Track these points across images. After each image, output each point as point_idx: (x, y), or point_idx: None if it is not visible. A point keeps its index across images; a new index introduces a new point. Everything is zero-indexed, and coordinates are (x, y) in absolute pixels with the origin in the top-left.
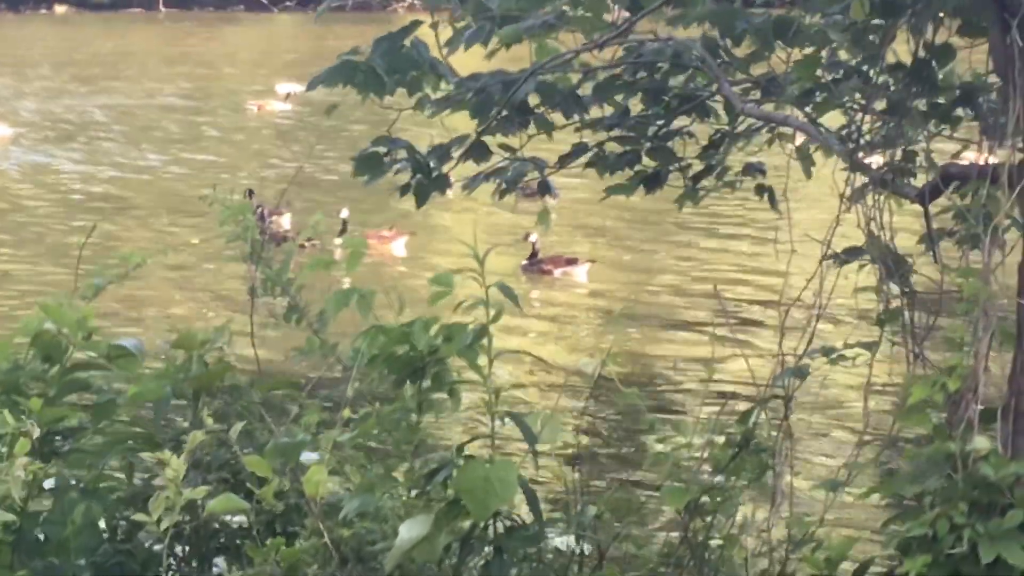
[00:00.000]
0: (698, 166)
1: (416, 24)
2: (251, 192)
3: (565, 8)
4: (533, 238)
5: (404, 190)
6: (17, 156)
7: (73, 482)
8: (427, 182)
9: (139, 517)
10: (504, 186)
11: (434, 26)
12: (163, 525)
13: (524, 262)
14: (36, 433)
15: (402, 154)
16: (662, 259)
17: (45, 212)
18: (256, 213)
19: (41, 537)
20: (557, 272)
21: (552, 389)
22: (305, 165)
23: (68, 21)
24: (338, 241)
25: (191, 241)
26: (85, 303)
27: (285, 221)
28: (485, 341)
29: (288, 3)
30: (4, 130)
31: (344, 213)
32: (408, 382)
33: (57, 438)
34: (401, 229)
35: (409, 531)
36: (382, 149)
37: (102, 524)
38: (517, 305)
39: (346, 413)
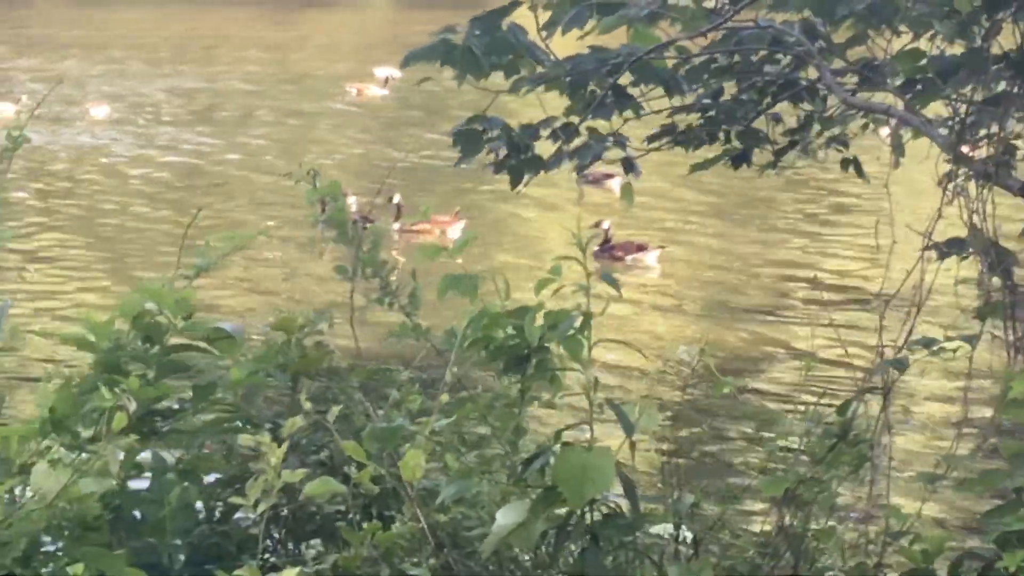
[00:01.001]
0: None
1: (515, 5)
2: (316, 173)
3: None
4: (605, 225)
5: (498, 168)
6: (112, 137)
7: (171, 462)
8: (521, 162)
9: (236, 500)
10: (587, 161)
11: (533, 8)
12: (260, 508)
13: (595, 248)
14: (133, 407)
15: (498, 133)
16: (740, 247)
17: (143, 192)
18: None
19: (138, 516)
20: (628, 258)
21: (644, 376)
22: (402, 151)
23: (160, 3)
24: (395, 226)
25: (267, 224)
26: (186, 284)
27: (352, 203)
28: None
29: None
30: (101, 111)
31: (396, 198)
32: (511, 369)
33: (156, 419)
34: (459, 215)
35: (505, 517)
36: (479, 127)
37: (199, 505)
38: (618, 292)
39: (444, 398)
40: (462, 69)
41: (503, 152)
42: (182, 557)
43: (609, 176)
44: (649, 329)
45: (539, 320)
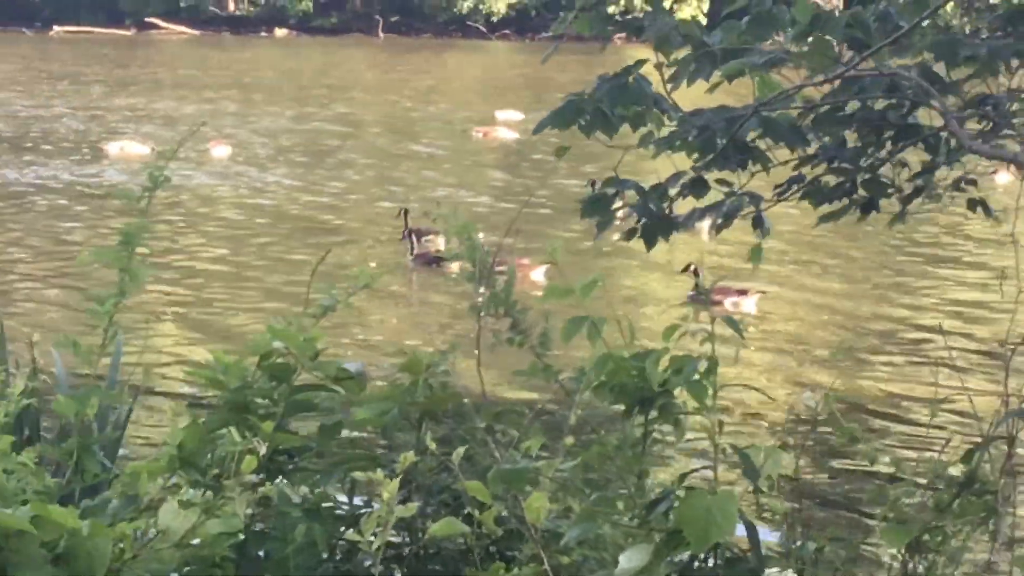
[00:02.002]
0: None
1: (641, 63)
2: (406, 211)
3: (789, 46)
4: (697, 269)
5: (629, 236)
6: (236, 175)
7: (296, 501)
8: (655, 225)
9: (352, 536)
10: (719, 221)
11: (659, 67)
12: (375, 544)
13: (690, 293)
14: (263, 451)
15: (631, 195)
16: (838, 292)
17: (266, 231)
18: (410, 232)
19: (261, 554)
20: (727, 303)
21: (765, 421)
22: (531, 194)
23: (288, 44)
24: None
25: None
26: (313, 323)
27: (441, 242)
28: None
29: (505, 31)
30: (222, 150)
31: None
32: (635, 412)
33: (282, 457)
34: (531, 261)
35: (629, 560)
36: (611, 190)
37: (322, 544)
38: (742, 336)
39: (569, 441)
40: (590, 127)
41: (633, 219)
42: None
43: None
44: (755, 375)
45: (663, 364)
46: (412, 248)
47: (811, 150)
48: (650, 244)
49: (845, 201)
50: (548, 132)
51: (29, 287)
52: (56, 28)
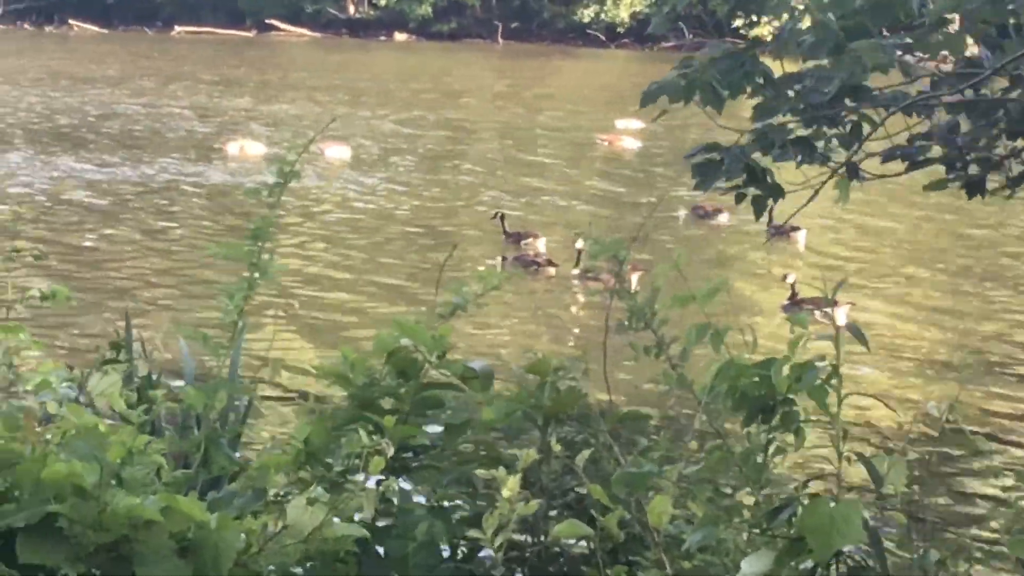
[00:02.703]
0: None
1: (755, 44)
2: (502, 216)
3: (909, 39)
4: (791, 279)
5: (739, 199)
6: (351, 177)
7: (419, 500)
8: (762, 190)
9: (473, 533)
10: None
11: (775, 55)
12: (496, 541)
13: (784, 302)
14: (390, 452)
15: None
16: (933, 300)
17: (386, 231)
18: (512, 236)
19: (382, 552)
20: (817, 314)
21: (872, 430)
22: (641, 202)
23: (407, 49)
24: (575, 271)
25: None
26: (442, 322)
27: (540, 245)
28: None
29: (625, 40)
30: (338, 151)
31: (579, 244)
32: (757, 419)
33: (406, 454)
34: (637, 264)
35: (751, 567)
36: (716, 155)
37: (443, 542)
38: (866, 345)
39: (693, 445)
40: (705, 101)
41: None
42: None
43: (796, 229)
44: (861, 387)
45: (785, 371)
46: (504, 255)
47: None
48: (758, 212)
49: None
50: (662, 153)
51: (152, 283)
52: (177, 28)
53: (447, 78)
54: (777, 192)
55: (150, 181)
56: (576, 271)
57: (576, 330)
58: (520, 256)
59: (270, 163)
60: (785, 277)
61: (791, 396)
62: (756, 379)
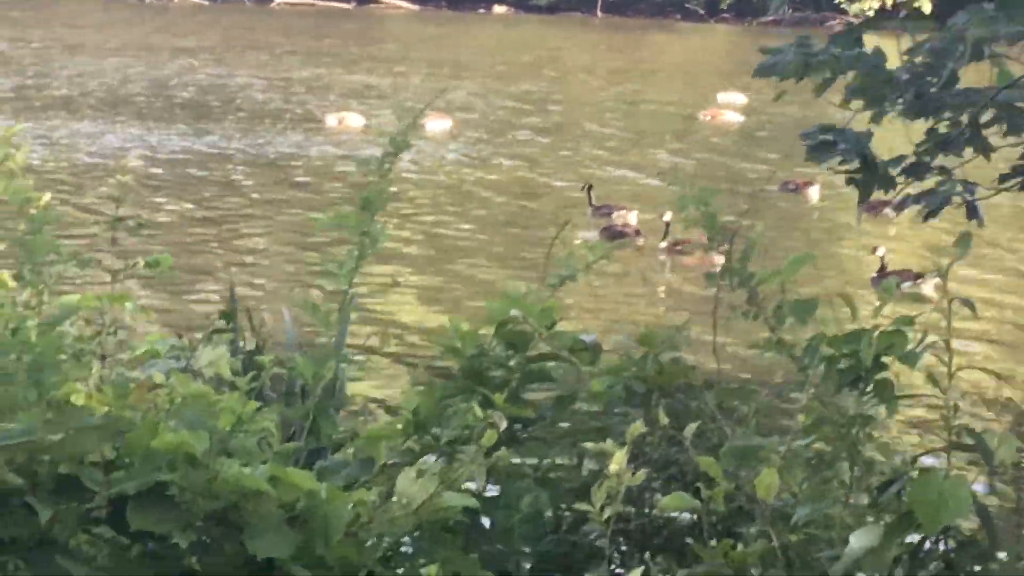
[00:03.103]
0: None
1: (880, 16)
2: (589, 187)
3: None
4: (880, 252)
5: (849, 180)
6: (454, 150)
7: (525, 471)
8: (872, 177)
9: (582, 506)
10: (930, 208)
11: (898, 33)
12: (605, 514)
13: (873, 275)
14: (503, 426)
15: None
16: None
17: (490, 203)
18: (600, 208)
19: (487, 522)
20: (905, 286)
21: (985, 403)
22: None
23: (506, 21)
24: (662, 244)
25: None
26: (551, 293)
27: (632, 217)
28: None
29: (725, 14)
30: (444, 124)
31: (667, 216)
32: (851, 389)
33: (515, 425)
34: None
35: (859, 541)
36: (830, 137)
37: (548, 514)
38: (974, 312)
39: (802, 419)
40: (820, 87)
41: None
42: (528, 565)
43: (886, 204)
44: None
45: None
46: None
47: None
48: (864, 195)
49: None
50: (764, 128)
51: (256, 253)
52: (277, 0)
53: (546, 51)
54: (889, 184)
55: (249, 153)
56: (664, 244)
57: (671, 301)
58: (608, 227)
59: (377, 134)
60: (875, 250)
61: (883, 361)
62: (847, 351)
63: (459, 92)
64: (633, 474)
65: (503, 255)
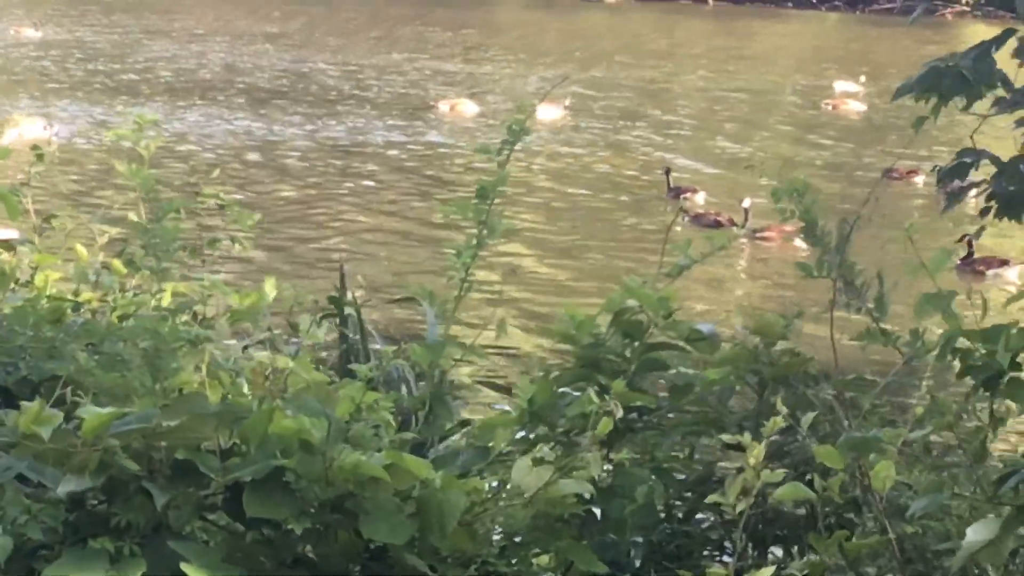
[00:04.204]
0: None
1: (1010, 32)
2: (668, 171)
3: None
4: (968, 238)
5: (984, 211)
6: (566, 138)
7: (641, 461)
8: (1013, 201)
9: (714, 498)
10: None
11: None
12: (739, 508)
13: (958, 262)
14: (619, 414)
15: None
16: None
17: (602, 191)
18: (673, 190)
19: (599, 512)
20: (990, 273)
21: None
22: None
23: (618, 10)
24: (742, 231)
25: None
26: (668, 283)
27: (699, 199)
28: None
29: (836, 2)
30: (553, 112)
31: (746, 203)
32: (981, 387)
33: (631, 415)
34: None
35: (976, 534)
36: (968, 159)
37: (660, 505)
38: None
39: (919, 411)
40: (949, 94)
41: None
42: (640, 555)
43: (975, 185)
44: None
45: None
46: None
47: None
48: (1007, 214)
49: None
50: (894, 107)
51: (365, 240)
52: None
53: (658, 39)
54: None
55: (359, 139)
56: (743, 230)
57: (755, 287)
58: (700, 215)
59: (498, 121)
60: (963, 237)
61: (1020, 362)
62: (983, 348)
63: (570, 80)
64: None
65: (615, 243)
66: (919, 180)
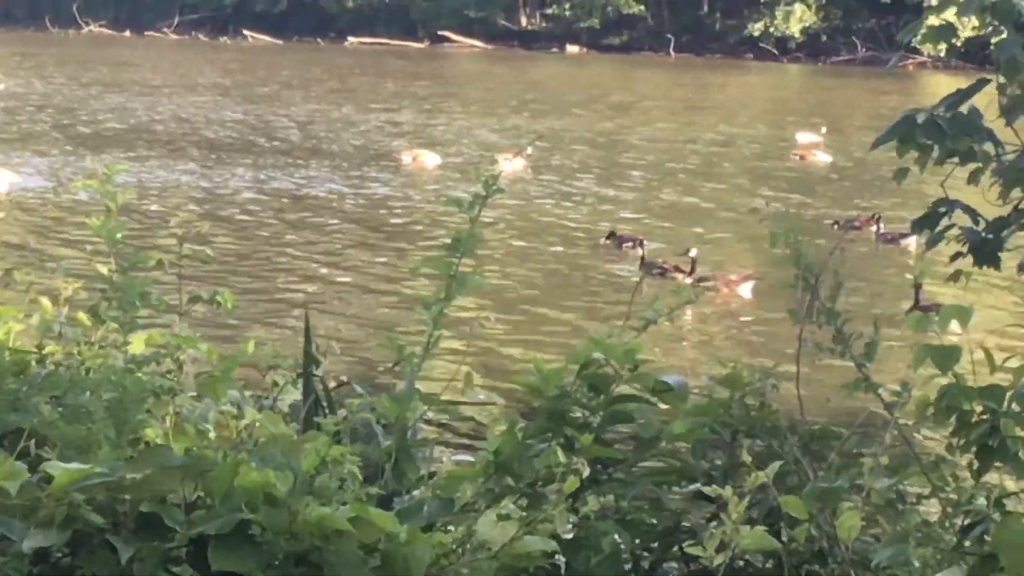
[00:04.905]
0: None
1: (983, 82)
2: (612, 233)
3: None
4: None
5: (954, 257)
6: (529, 188)
7: (606, 513)
8: (984, 252)
9: (693, 550)
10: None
11: (1001, 89)
12: (716, 561)
13: (908, 309)
14: (586, 473)
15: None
16: None
17: (574, 241)
18: (616, 239)
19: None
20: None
21: None
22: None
23: (580, 61)
24: (687, 280)
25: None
26: (635, 335)
27: (640, 249)
28: None
29: (797, 54)
30: (516, 163)
31: (693, 252)
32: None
33: (597, 466)
34: (746, 272)
35: None
36: (942, 209)
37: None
38: None
39: (884, 460)
40: (925, 148)
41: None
42: None
43: (905, 235)
44: None
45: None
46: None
47: None
48: (988, 263)
49: None
50: (861, 159)
51: (329, 290)
52: (351, 39)
53: (620, 91)
54: (994, 260)
55: (323, 190)
56: (689, 279)
57: (699, 336)
58: (649, 264)
59: (459, 173)
60: (919, 288)
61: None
62: (979, 405)
63: (532, 131)
64: (716, 517)
65: (579, 294)
66: (874, 229)
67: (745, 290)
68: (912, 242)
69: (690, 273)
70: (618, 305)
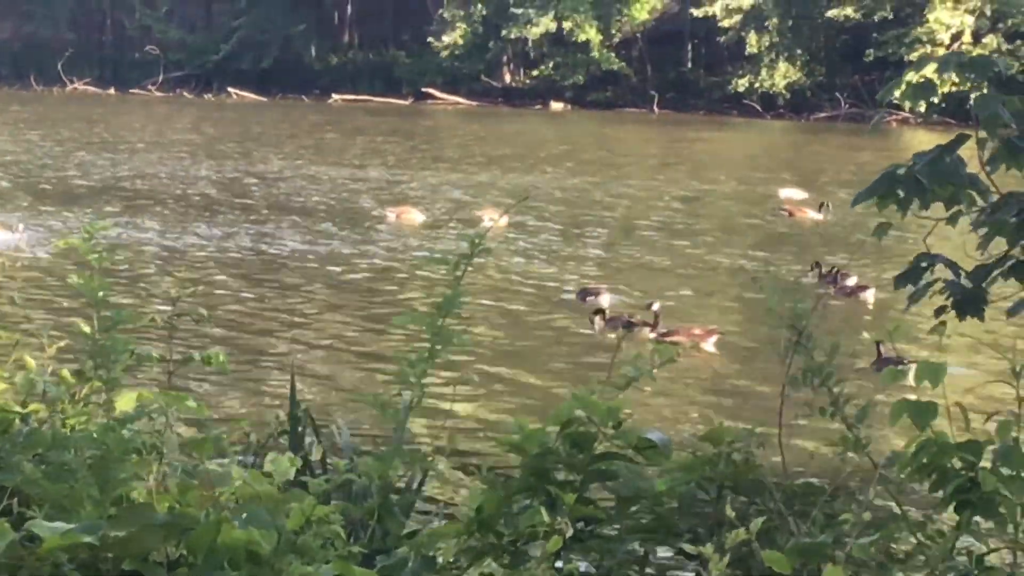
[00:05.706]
0: None
1: (963, 138)
2: (583, 292)
3: None
4: (875, 337)
5: (939, 312)
6: (514, 246)
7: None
8: (967, 303)
9: None
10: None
11: (980, 143)
12: None
13: (872, 362)
14: (569, 533)
15: (943, 271)
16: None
17: (545, 301)
18: (580, 293)
19: None
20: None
21: None
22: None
23: (564, 117)
24: (651, 334)
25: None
26: (617, 394)
27: (604, 300)
28: None
29: (781, 110)
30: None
31: (656, 306)
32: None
33: (579, 523)
34: (710, 328)
35: None
36: (924, 263)
37: None
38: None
39: (866, 516)
40: (905, 200)
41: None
42: None
43: (864, 288)
44: None
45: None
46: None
47: None
48: (972, 314)
49: None
50: (849, 216)
51: (315, 349)
52: (335, 96)
53: (604, 147)
54: (978, 310)
55: (306, 249)
56: (653, 334)
57: (663, 391)
58: (613, 318)
59: (442, 231)
60: (880, 343)
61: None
62: (959, 461)
63: (516, 188)
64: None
65: (563, 353)
66: (851, 280)
67: (709, 345)
68: (870, 296)
69: (654, 327)
70: (588, 361)
